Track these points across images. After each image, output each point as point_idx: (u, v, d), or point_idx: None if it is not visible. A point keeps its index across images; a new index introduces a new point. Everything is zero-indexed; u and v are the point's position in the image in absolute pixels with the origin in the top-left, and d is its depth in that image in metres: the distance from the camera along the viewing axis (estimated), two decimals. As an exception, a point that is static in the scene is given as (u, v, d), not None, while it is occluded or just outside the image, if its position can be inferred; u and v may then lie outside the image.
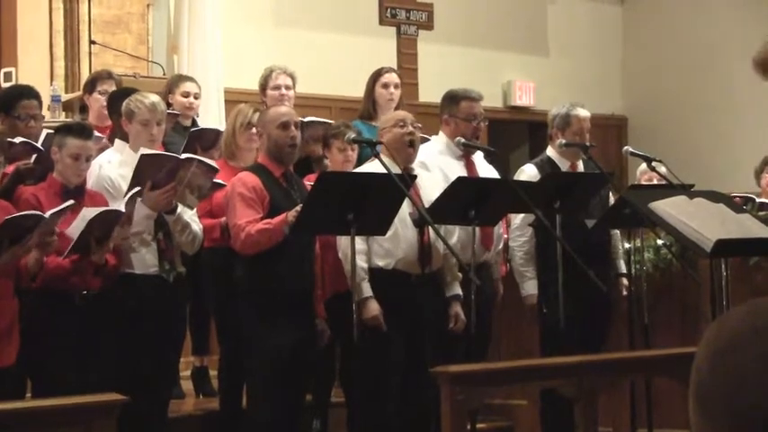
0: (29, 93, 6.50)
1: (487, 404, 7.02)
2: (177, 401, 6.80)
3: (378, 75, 7.62)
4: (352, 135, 6.27)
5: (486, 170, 6.66)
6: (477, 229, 6.16)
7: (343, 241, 5.95)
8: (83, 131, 5.74)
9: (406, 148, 6.16)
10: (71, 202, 5.38)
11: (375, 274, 5.99)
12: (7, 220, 5.00)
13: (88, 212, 5.40)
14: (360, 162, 6.55)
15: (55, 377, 5.44)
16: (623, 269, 6.98)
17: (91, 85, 7.38)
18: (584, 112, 6.88)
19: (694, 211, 4.56)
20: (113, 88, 7.23)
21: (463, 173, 6.46)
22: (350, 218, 5.58)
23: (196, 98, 7.66)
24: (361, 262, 5.95)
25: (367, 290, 5.94)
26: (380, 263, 6.04)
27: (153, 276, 5.84)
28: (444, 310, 6.19)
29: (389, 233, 5.94)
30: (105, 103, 7.12)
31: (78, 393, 4.86)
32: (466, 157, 6.64)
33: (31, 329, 5.40)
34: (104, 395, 4.67)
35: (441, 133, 6.69)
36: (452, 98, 6.66)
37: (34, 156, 6.00)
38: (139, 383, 5.53)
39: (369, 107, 7.54)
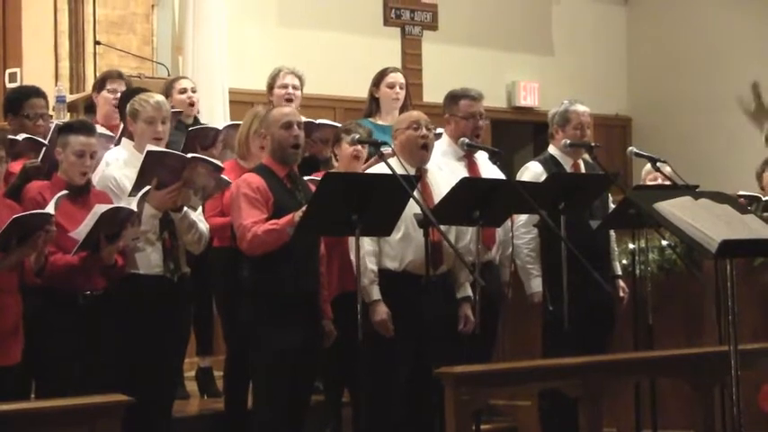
0: (36, 92, 6.63)
1: (491, 405, 7.02)
2: (182, 402, 6.79)
3: (383, 74, 7.57)
4: (357, 136, 6.26)
5: (489, 171, 6.65)
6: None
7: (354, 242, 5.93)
8: (85, 128, 5.75)
9: (420, 150, 6.16)
10: (64, 192, 5.40)
11: (384, 275, 5.99)
12: (15, 220, 5.01)
13: (99, 208, 5.42)
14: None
15: (58, 377, 5.44)
16: (619, 271, 7.01)
17: (100, 84, 7.38)
18: (582, 107, 6.93)
19: (699, 212, 4.54)
20: (123, 88, 7.23)
21: (465, 173, 6.46)
22: (354, 218, 5.57)
23: (194, 91, 7.64)
24: (371, 264, 5.95)
25: (375, 293, 5.94)
26: (390, 265, 6.03)
27: (157, 276, 5.82)
28: (454, 311, 6.17)
29: (399, 234, 5.95)
30: (114, 102, 7.13)
31: (82, 394, 4.86)
32: (468, 157, 6.64)
33: (35, 329, 5.40)
34: (108, 396, 4.67)
35: (444, 135, 6.70)
36: (452, 98, 6.71)
37: (42, 153, 6.00)
38: (143, 384, 5.52)
39: (371, 105, 7.52)
